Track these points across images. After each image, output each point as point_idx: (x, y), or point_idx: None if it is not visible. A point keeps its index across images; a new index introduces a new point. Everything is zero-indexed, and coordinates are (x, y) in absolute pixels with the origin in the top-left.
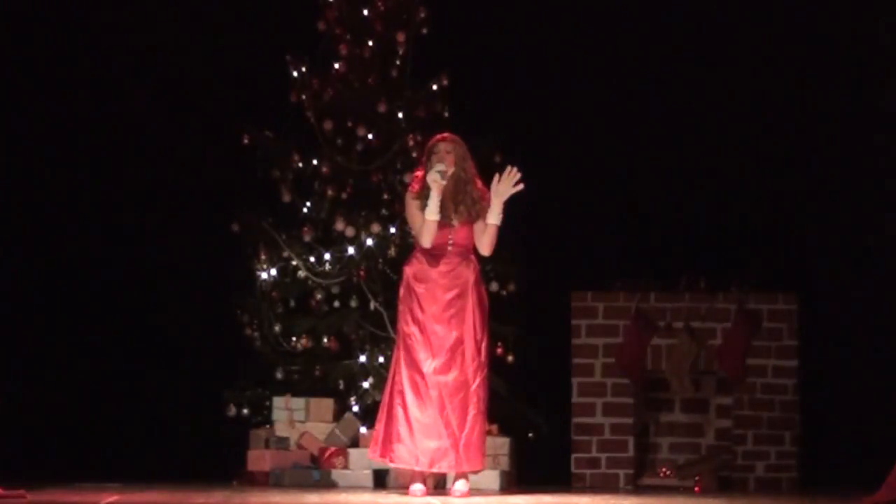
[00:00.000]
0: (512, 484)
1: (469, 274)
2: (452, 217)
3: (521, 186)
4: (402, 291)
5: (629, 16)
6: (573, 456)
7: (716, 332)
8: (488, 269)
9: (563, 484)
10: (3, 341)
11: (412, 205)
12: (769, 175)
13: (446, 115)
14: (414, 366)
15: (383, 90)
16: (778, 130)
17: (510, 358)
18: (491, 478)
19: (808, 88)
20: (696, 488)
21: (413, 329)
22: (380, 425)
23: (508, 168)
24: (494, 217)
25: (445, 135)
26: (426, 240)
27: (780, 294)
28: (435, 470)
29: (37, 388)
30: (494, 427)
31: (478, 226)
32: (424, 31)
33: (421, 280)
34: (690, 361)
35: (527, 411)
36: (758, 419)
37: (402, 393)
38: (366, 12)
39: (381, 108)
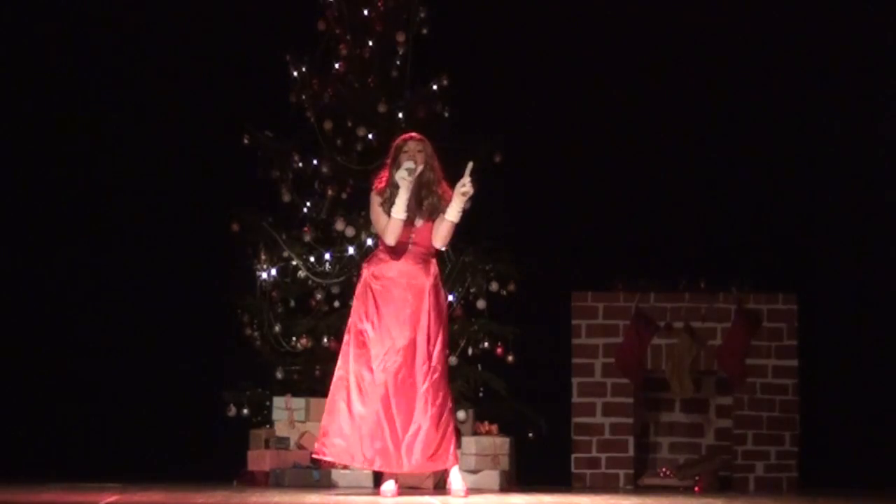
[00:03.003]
0: (512, 484)
1: (427, 277)
2: (416, 215)
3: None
4: (359, 288)
5: (629, 16)
6: (573, 456)
7: (716, 332)
8: (488, 268)
9: (563, 484)
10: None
11: (376, 203)
12: (769, 175)
13: (446, 115)
14: (363, 362)
15: (383, 90)
16: (778, 131)
17: (510, 358)
18: (491, 478)
19: (807, 89)
20: (696, 488)
21: (366, 326)
22: (323, 419)
23: (470, 165)
24: (454, 214)
25: (413, 134)
26: (391, 238)
27: (780, 294)
28: (376, 469)
29: (37, 387)
30: (494, 427)
31: (436, 222)
32: (424, 31)
33: (379, 278)
34: (690, 361)
35: (527, 411)
36: (758, 419)
37: (347, 389)
38: (366, 12)
39: (381, 108)
